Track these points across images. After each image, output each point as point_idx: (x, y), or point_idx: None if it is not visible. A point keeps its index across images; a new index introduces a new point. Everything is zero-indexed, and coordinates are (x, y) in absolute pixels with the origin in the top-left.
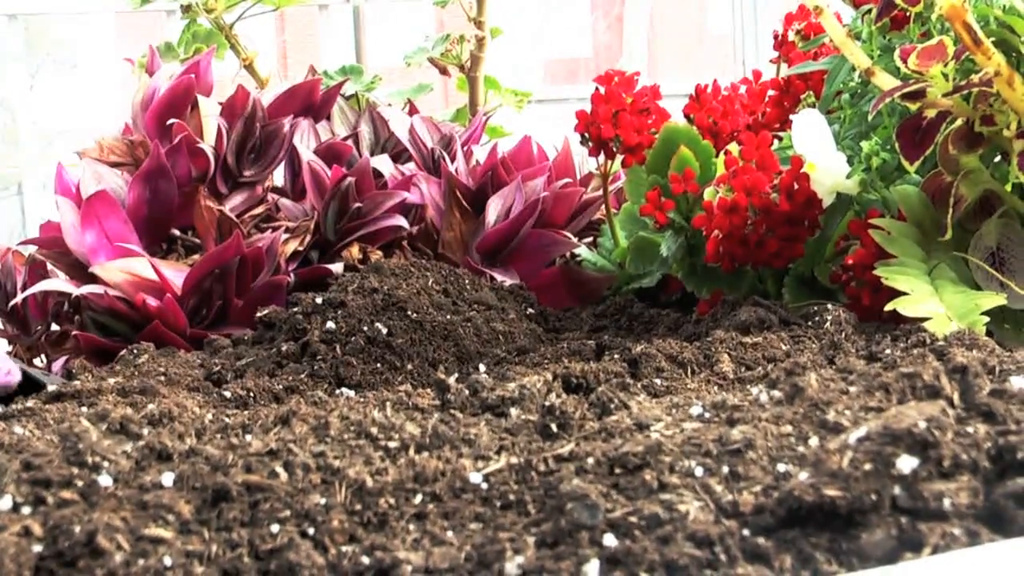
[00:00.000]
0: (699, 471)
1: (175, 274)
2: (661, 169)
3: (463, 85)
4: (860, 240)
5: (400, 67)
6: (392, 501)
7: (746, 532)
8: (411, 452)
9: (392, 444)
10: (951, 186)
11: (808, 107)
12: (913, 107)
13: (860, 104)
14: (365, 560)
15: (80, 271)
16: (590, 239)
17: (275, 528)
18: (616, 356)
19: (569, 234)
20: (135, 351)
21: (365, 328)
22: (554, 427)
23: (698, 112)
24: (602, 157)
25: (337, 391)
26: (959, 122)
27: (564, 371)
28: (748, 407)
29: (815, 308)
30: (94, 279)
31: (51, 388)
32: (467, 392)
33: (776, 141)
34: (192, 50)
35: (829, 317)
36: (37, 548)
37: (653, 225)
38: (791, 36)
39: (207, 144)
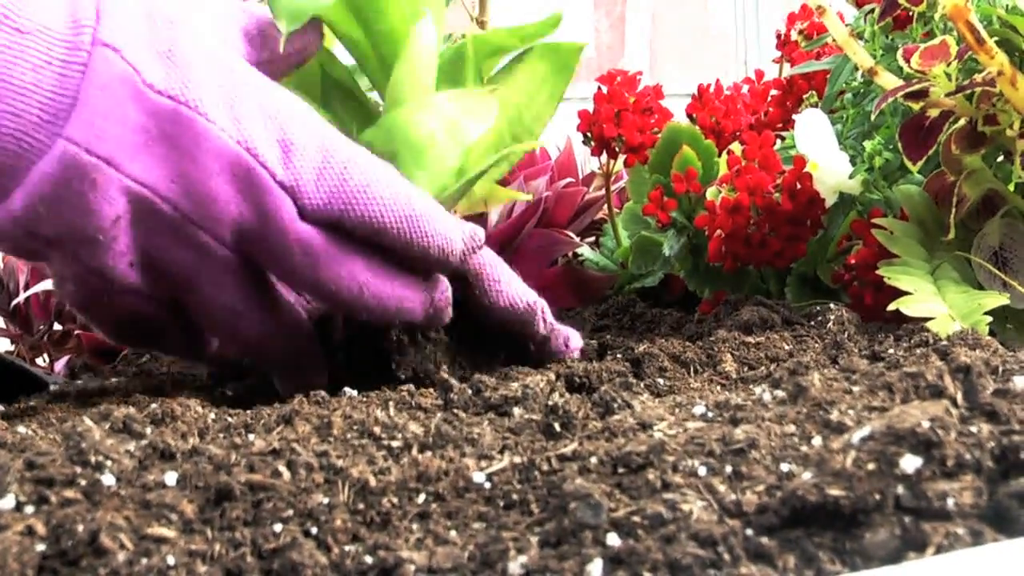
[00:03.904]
0: (702, 471)
1: None
2: (664, 169)
3: None
4: (863, 240)
5: None
6: (395, 500)
7: (749, 532)
8: (414, 451)
9: (395, 443)
10: (954, 186)
11: (811, 107)
12: (916, 107)
13: (863, 104)
14: (368, 559)
15: None
16: (592, 239)
17: (278, 527)
18: (619, 356)
19: (571, 234)
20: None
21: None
22: (557, 426)
23: (701, 112)
24: (604, 156)
25: (339, 390)
26: (962, 122)
27: (567, 370)
28: (751, 407)
29: (818, 308)
30: None
31: (54, 387)
32: (470, 392)
33: (779, 141)
34: None
35: (832, 317)
36: (40, 547)
37: (655, 225)
38: (794, 36)
39: None
